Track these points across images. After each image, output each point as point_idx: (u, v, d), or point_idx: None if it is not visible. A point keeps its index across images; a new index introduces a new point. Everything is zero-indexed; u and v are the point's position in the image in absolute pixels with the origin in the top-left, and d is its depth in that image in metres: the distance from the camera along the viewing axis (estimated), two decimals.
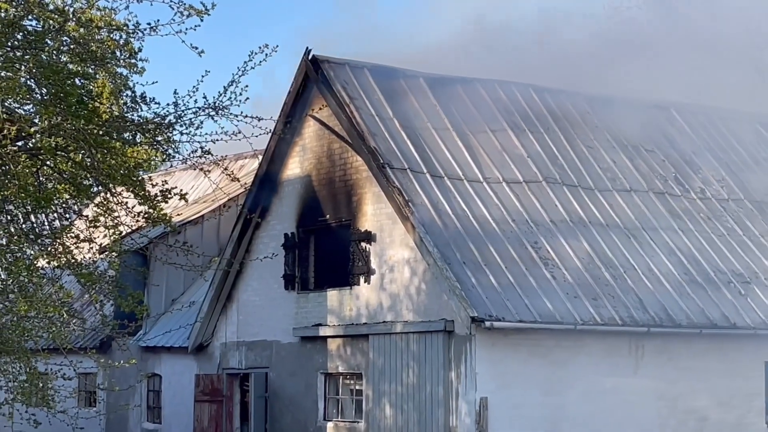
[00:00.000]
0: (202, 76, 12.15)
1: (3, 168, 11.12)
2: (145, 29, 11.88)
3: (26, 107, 11.20)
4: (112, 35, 11.72)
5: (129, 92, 11.92)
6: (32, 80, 11.11)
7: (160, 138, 12.14)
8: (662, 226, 22.42)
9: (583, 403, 19.69)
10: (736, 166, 25.82)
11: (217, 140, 12.52)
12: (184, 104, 12.03)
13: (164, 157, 12.34)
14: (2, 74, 10.79)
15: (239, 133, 12.77)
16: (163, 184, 12.93)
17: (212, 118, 12.24)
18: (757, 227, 23.68)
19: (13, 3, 10.67)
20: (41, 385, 14.09)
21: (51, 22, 11.06)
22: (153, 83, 12.96)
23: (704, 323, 20.60)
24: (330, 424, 21.68)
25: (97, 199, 13.45)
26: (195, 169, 13.92)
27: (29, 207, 11.99)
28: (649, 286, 20.77)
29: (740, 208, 24.14)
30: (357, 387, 21.31)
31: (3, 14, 10.64)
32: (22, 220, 12.27)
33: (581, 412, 19.66)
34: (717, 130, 26.96)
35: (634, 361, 20.21)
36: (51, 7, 11.11)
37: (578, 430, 19.66)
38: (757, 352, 21.37)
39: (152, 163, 12.84)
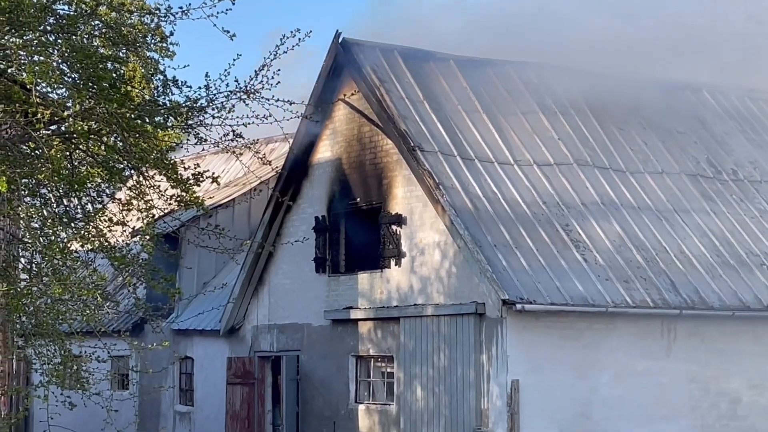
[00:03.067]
0: (234, 60, 12.17)
1: (36, 152, 11.18)
2: (176, 13, 11.89)
3: (59, 91, 11.25)
4: (143, 19, 11.71)
5: (160, 76, 11.86)
6: (65, 64, 11.14)
7: (191, 121, 12.13)
8: (694, 208, 22.38)
9: (615, 385, 19.67)
10: None
11: (249, 124, 12.53)
12: (216, 88, 12.06)
13: (196, 140, 12.28)
14: (35, 58, 10.81)
15: (270, 116, 12.74)
16: (195, 168, 12.99)
17: (244, 102, 12.25)
18: None
19: None
20: (75, 367, 14.16)
21: (83, 6, 11.08)
22: (184, 67, 13.02)
23: (737, 305, 20.55)
24: (361, 407, 21.75)
25: (130, 183, 13.50)
26: (226, 153, 13.94)
27: (62, 191, 12.04)
28: (681, 268, 20.74)
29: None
30: (388, 370, 21.37)
31: None
32: (55, 204, 12.32)
33: (613, 394, 19.64)
34: (750, 110, 26.86)
35: (667, 343, 20.16)
36: None
37: (610, 412, 19.63)
38: None
39: (184, 146, 12.80)
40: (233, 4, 11.40)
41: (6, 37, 10.39)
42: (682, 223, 21.82)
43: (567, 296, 19.27)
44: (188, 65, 12.92)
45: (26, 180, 11.11)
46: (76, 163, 11.72)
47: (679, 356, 20.22)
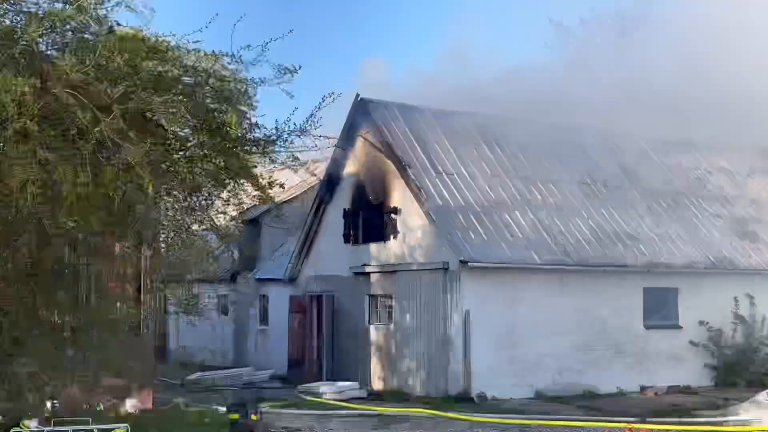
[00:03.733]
0: (292, 112, 12.06)
1: (171, 168, 11.07)
2: (257, 82, 11.78)
3: (185, 130, 11.19)
4: (237, 86, 11.59)
5: (247, 121, 11.79)
6: (188, 114, 11.07)
7: (267, 150, 12.04)
8: (579, 204, 22.20)
9: (529, 313, 19.70)
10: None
11: (302, 150, 12.45)
12: (282, 128, 11.98)
13: (270, 160, 12.24)
14: (171, 110, 10.79)
15: (316, 146, 12.63)
16: (269, 178, 13.00)
17: (299, 137, 12.16)
18: (632, 200, 23.52)
19: (182, 71, 10.54)
20: (195, 302, 14.18)
21: (199, 78, 11.01)
22: (262, 116, 12.96)
23: (605, 263, 20.65)
24: (372, 327, 21.82)
25: (229, 187, 13.43)
26: (291, 168, 13.86)
27: (187, 192, 11.88)
28: (571, 241, 20.74)
29: (625, 193, 23.84)
30: (389, 303, 21.42)
31: (169, 73, 10.55)
32: (182, 200, 12.25)
33: (527, 318, 19.68)
34: (614, 142, 26.20)
35: (561, 287, 20.19)
36: (199, 68, 11.01)
37: (525, 330, 19.68)
38: (638, 283, 21.28)
39: (262, 164, 12.72)
40: (292, 77, 11.09)
41: (153, 97, 10.33)
42: (571, 213, 21.73)
43: (500, 258, 19.40)
44: (264, 115, 12.84)
45: (165, 185, 11.05)
46: (195, 176, 11.62)
47: (568, 295, 20.22)
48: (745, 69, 24.92)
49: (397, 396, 19.77)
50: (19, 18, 9.48)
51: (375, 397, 20.01)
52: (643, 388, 20.54)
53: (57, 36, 9.71)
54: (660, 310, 21.48)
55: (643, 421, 15.12)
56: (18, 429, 9.56)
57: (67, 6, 9.45)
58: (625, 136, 24.90)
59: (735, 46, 25.92)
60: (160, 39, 10.07)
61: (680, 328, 21.62)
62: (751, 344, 21.94)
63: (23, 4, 9.51)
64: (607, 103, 25.14)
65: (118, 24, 9.81)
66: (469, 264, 18.87)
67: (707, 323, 21.71)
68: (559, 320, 19.94)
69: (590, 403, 18.56)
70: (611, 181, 23.53)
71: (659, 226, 22.52)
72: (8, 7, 9.43)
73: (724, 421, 15.42)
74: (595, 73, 28.47)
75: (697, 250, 22.23)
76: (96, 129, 9.17)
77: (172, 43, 10.16)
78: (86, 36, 9.64)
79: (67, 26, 9.56)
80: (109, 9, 9.64)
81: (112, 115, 9.28)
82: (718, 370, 21.67)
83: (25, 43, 9.20)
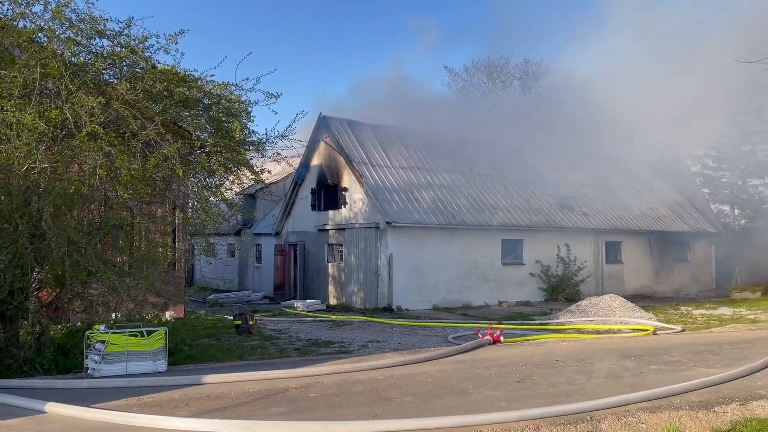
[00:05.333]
0: (276, 124, 12.03)
1: (195, 159, 10.87)
2: (253, 103, 11.54)
3: (204, 135, 10.99)
4: (239, 106, 11.37)
5: (246, 129, 11.58)
6: (207, 124, 10.88)
7: (259, 148, 11.84)
8: (462, 184, 22.36)
9: (429, 256, 20.00)
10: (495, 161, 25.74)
11: (283, 149, 12.30)
12: (269, 134, 11.79)
13: (261, 155, 12.05)
14: (195, 121, 10.55)
15: (291, 147, 12.48)
16: (261, 166, 12.83)
17: (281, 139, 11.99)
18: (495, 184, 23.76)
19: (202, 95, 10.29)
20: (212, 248, 13.97)
21: (214, 100, 10.79)
22: (256, 125, 12.84)
23: (478, 224, 20.93)
24: (329, 264, 21.77)
25: (234, 173, 13.18)
26: (275, 161, 13.74)
27: (205, 175, 11.65)
28: (456, 209, 20.97)
29: (491, 179, 24.26)
30: (340, 249, 21.46)
31: (194, 96, 10.31)
32: (203, 181, 12.03)
33: (429, 259, 20.00)
34: (493, 144, 26.53)
35: (449, 239, 20.48)
36: (214, 93, 10.71)
37: (428, 267, 19.98)
38: (498, 236, 21.54)
39: (256, 157, 12.47)
40: (276, 100, 10.87)
41: (183, 112, 10.14)
42: (456, 192, 21.89)
43: (411, 220, 19.58)
44: (257, 124, 12.70)
45: (191, 171, 10.85)
46: (211, 164, 11.39)
47: (454, 244, 20.53)
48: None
49: (345, 308, 19.92)
50: (90, 56, 9.34)
51: (330, 309, 20.13)
52: (500, 302, 21.04)
53: (116, 69, 9.53)
54: (511, 253, 21.91)
55: (499, 323, 15.56)
56: (91, 331, 9.35)
57: (123, 49, 9.27)
58: (492, 143, 25.31)
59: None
60: (187, 73, 9.99)
61: (524, 264, 22.10)
62: (567, 274, 22.67)
63: (92, 46, 9.30)
64: (481, 121, 25.57)
65: (158, 62, 9.65)
66: (392, 224, 19.06)
67: (540, 261, 22.33)
68: (448, 260, 20.30)
69: (466, 311, 18.99)
70: (482, 171, 23.82)
71: (511, 200, 22.90)
72: (82, 48, 9.21)
73: (549, 321, 15.92)
74: (473, 103, 29.01)
75: (535, 216, 22.67)
76: (143, 132, 9.16)
77: (196, 75, 10.06)
78: (137, 70, 9.48)
79: (124, 63, 9.37)
80: (153, 51, 9.52)
81: (154, 124, 9.26)
82: (546, 291, 22.26)
83: (93, 73, 9.10)
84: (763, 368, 8.89)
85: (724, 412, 6.67)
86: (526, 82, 36.68)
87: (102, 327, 9.34)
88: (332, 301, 21.23)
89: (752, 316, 16.79)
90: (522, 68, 37.00)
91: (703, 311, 18.44)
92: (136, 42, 9.31)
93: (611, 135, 25.00)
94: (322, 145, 22.20)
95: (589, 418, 6.28)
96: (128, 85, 9.10)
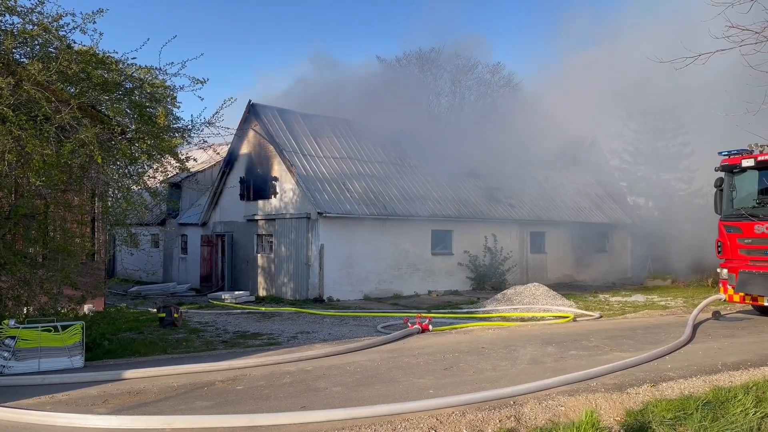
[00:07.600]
0: (202, 110, 11.71)
1: (116, 145, 10.42)
2: (178, 88, 11.21)
3: (126, 120, 10.56)
4: (164, 91, 10.98)
5: (171, 115, 11.20)
6: (128, 108, 10.47)
7: (185, 135, 11.52)
8: (392, 174, 22.66)
9: (361, 247, 20.12)
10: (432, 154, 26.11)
11: (210, 136, 12.05)
12: (195, 121, 11.53)
13: (187, 142, 11.71)
14: (114, 105, 10.13)
15: (219, 134, 12.26)
16: (186, 154, 12.45)
17: (208, 126, 11.73)
18: (426, 175, 24.05)
19: (123, 78, 9.88)
20: (134, 238, 13.43)
21: (136, 83, 10.38)
22: (182, 111, 12.40)
23: (408, 214, 21.13)
24: (259, 255, 21.53)
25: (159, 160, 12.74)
26: (202, 149, 13.41)
27: (127, 162, 11.21)
28: (388, 200, 21.12)
29: (421, 171, 24.40)
30: (270, 240, 21.24)
31: (114, 79, 9.87)
32: (124, 168, 11.56)
33: (360, 250, 20.11)
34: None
35: (382, 229, 20.64)
36: (136, 76, 10.31)
37: (359, 257, 20.10)
38: (428, 226, 21.86)
39: (182, 145, 12.09)
40: (202, 86, 10.59)
41: (102, 96, 9.69)
42: (387, 182, 21.93)
43: (342, 211, 19.58)
44: (183, 111, 12.29)
45: (111, 157, 10.43)
46: (134, 151, 10.99)
47: (385, 234, 20.71)
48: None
49: (275, 300, 19.73)
50: None
51: (260, 300, 19.89)
52: (429, 292, 21.42)
53: (28, 48, 8.97)
54: (441, 243, 22.28)
55: (429, 311, 15.85)
56: (0, 327, 8.81)
57: (36, 27, 8.74)
58: (421, 132, 25.62)
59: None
60: (107, 54, 9.54)
61: (453, 254, 22.55)
62: (494, 264, 23.32)
63: (1, 23, 8.70)
64: (413, 114, 25.81)
65: (75, 42, 9.17)
66: (323, 214, 19.01)
67: (468, 251, 22.88)
68: (379, 250, 20.48)
69: (397, 301, 19.22)
70: (413, 162, 24.05)
71: (441, 192, 23.24)
72: None
73: (476, 310, 16.36)
74: (407, 97, 29.33)
75: (464, 207, 23.14)
76: (58, 116, 8.71)
77: (117, 57, 9.63)
78: (50, 49, 8.97)
79: (36, 42, 8.83)
80: (68, 31, 9.04)
81: (70, 107, 8.81)
82: (474, 280, 22.78)
83: (2, 52, 8.58)
84: (672, 351, 9.47)
85: (636, 394, 7.00)
86: (456, 75, 37.37)
87: (12, 322, 8.82)
88: (262, 293, 20.96)
89: (663, 303, 17.82)
90: (453, 62, 37.64)
91: (619, 298, 19.45)
92: (50, 20, 8.81)
93: (536, 129, 25.85)
94: (251, 134, 21.78)
95: (512, 402, 6.52)
96: (41, 66, 8.59)
